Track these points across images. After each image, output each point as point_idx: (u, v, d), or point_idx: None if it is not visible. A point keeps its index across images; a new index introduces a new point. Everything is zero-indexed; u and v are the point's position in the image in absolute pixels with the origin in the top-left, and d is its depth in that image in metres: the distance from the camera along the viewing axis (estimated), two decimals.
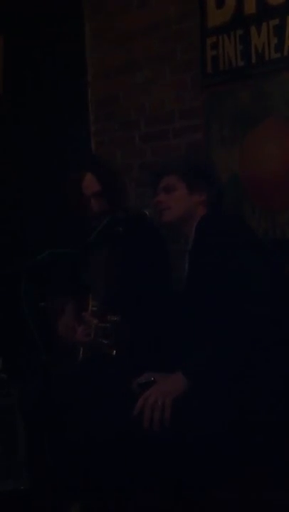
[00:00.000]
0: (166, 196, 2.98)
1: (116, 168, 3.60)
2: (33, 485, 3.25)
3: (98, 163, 3.52)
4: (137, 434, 2.66)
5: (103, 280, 3.33)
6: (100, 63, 4.59)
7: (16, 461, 3.33)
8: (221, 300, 2.71)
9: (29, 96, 4.38)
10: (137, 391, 2.75)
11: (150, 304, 3.19)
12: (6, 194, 4.25)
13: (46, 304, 3.46)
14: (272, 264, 2.83)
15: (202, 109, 4.08)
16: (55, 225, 4.10)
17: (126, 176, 4.13)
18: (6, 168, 4.26)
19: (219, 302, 2.71)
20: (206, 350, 2.68)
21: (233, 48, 3.91)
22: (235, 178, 3.89)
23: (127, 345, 3.09)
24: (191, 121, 4.16)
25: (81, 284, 3.40)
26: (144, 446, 2.65)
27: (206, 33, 4.01)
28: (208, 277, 2.77)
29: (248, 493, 2.66)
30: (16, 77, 4.34)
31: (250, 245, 2.83)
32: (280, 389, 2.68)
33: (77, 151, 4.41)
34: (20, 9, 4.29)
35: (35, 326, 2.80)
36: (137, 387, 2.77)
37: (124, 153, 4.42)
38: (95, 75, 4.63)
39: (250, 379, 2.66)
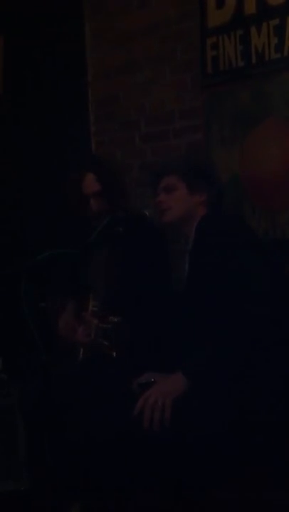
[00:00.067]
0: (167, 196, 2.98)
1: (117, 169, 3.60)
2: (33, 485, 3.25)
3: (99, 163, 3.51)
4: (137, 434, 2.66)
5: (103, 280, 3.33)
6: (100, 63, 4.59)
7: (16, 462, 3.33)
8: (221, 300, 2.71)
9: (29, 96, 4.38)
10: (137, 391, 2.75)
11: (150, 304, 3.19)
12: (6, 194, 4.25)
13: (46, 304, 3.46)
14: (272, 264, 2.83)
15: (202, 110, 4.08)
16: (55, 225, 4.10)
17: (126, 176, 4.13)
18: (6, 168, 4.26)
19: (219, 302, 2.71)
20: (206, 350, 2.68)
21: (233, 48, 3.91)
22: (236, 178, 3.89)
23: (127, 345, 3.09)
24: (191, 121, 4.16)
25: (81, 284, 3.40)
26: (144, 447, 2.65)
27: (206, 33, 4.01)
28: (208, 277, 2.77)
29: (248, 493, 2.66)
30: (16, 77, 4.34)
31: (250, 245, 2.82)
32: (280, 389, 2.68)
33: (77, 151, 4.41)
34: (21, 9, 4.29)
35: (35, 326, 2.80)
36: (137, 387, 2.77)
37: (124, 154, 4.42)
38: (95, 75, 4.63)
39: (250, 379, 2.66)
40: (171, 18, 4.22)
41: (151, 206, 3.13)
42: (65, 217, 3.78)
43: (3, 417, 3.36)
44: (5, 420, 3.36)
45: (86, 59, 4.64)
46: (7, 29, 4.29)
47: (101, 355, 3.12)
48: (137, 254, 3.31)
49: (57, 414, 2.86)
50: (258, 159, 3.84)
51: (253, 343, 2.66)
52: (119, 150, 4.45)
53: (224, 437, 2.60)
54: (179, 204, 2.96)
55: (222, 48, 3.95)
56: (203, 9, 4.02)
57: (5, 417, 3.36)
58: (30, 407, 3.06)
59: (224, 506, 2.68)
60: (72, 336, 3.32)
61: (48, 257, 2.92)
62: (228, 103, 3.96)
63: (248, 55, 3.85)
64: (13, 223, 4.23)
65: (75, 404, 2.87)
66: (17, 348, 3.47)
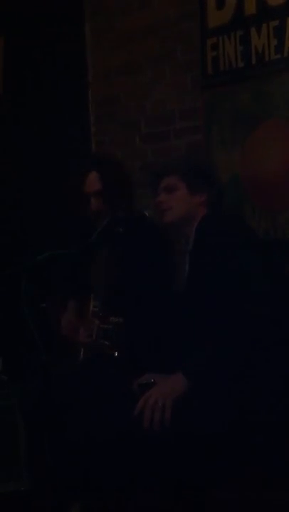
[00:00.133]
0: (167, 196, 2.98)
1: (123, 170, 3.57)
2: (34, 485, 3.25)
3: (104, 163, 3.50)
4: (137, 435, 2.66)
5: (103, 281, 3.33)
6: (101, 64, 4.59)
7: (16, 462, 3.33)
8: (221, 300, 2.71)
9: (29, 96, 4.38)
10: (138, 392, 2.75)
11: (150, 304, 3.19)
12: (6, 194, 4.26)
13: (46, 304, 3.46)
14: (272, 264, 2.83)
15: (202, 110, 4.08)
16: (55, 225, 4.11)
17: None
18: (6, 168, 4.26)
19: (219, 302, 2.71)
20: (206, 350, 2.68)
21: (233, 49, 3.91)
22: (236, 178, 3.90)
23: (127, 345, 3.09)
24: (192, 121, 4.16)
25: (82, 284, 3.40)
26: (145, 447, 2.64)
27: (207, 33, 4.01)
28: (208, 277, 2.77)
29: (248, 493, 2.66)
30: (16, 77, 4.34)
31: (250, 245, 2.82)
32: (280, 389, 2.68)
33: (77, 151, 4.41)
34: (21, 9, 4.30)
35: (35, 326, 2.80)
36: (138, 387, 2.77)
37: (125, 154, 4.41)
38: (95, 75, 4.63)
39: (250, 379, 2.66)
40: (171, 18, 4.22)
41: (151, 207, 3.13)
42: (65, 217, 3.79)
43: (3, 417, 3.36)
44: (5, 420, 3.36)
45: (86, 59, 4.64)
46: (7, 29, 4.30)
47: (101, 356, 3.12)
48: (137, 254, 3.31)
49: (57, 414, 2.86)
50: (259, 159, 3.84)
51: (253, 343, 2.66)
52: (120, 150, 4.45)
53: (224, 437, 2.60)
54: (179, 204, 2.96)
55: (222, 48, 3.96)
56: (203, 10, 4.02)
57: (5, 417, 3.36)
58: (30, 407, 3.06)
59: (224, 506, 2.68)
60: (73, 336, 3.32)
61: (48, 257, 2.92)
62: (228, 104, 3.96)
63: (248, 55, 3.85)
64: (13, 223, 4.23)
65: (75, 404, 2.87)
66: (17, 348, 3.47)
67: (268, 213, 3.81)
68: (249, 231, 2.95)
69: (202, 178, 2.98)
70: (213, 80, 4.01)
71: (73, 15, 4.57)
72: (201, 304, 2.80)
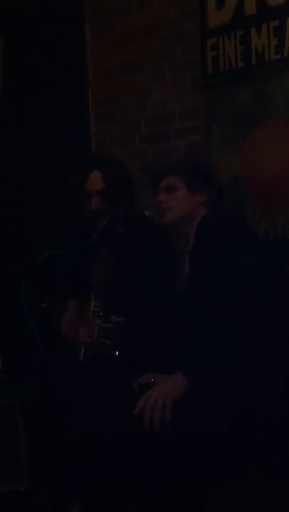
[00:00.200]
0: (167, 196, 2.98)
1: (125, 171, 3.57)
2: (34, 485, 3.25)
3: (106, 162, 3.50)
4: (138, 435, 2.66)
5: (103, 280, 3.33)
6: (101, 64, 4.59)
7: (16, 462, 3.33)
8: (221, 300, 2.71)
9: (29, 96, 4.39)
10: (138, 392, 2.75)
11: (150, 304, 3.19)
12: (6, 194, 4.26)
13: (46, 304, 3.46)
14: (272, 264, 2.83)
15: (202, 110, 4.09)
16: (55, 225, 4.11)
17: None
18: (6, 168, 4.26)
19: (219, 302, 2.71)
20: (206, 350, 2.68)
21: (233, 49, 3.92)
22: (236, 178, 3.90)
23: (127, 345, 3.09)
24: (192, 121, 4.16)
25: (82, 284, 3.40)
26: (145, 447, 2.64)
27: (207, 33, 4.01)
28: (208, 277, 2.77)
29: (248, 493, 2.66)
30: (16, 77, 4.35)
31: (250, 245, 2.82)
32: (280, 389, 2.68)
33: (77, 151, 4.41)
34: (21, 9, 4.30)
35: (35, 326, 2.80)
36: (138, 388, 2.77)
37: (125, 154, 4.41)
38: (95, 75, 4.63)
39: (250, 379, 2.66)
40: (171, 18, 4.22)
41: (151, 207, 3.13)
42: (65, 217, 3.79)
43: (3, 417, 3.36)
44: (5, 420, 3.36)
45: (86, 59, 4.64)
46: (7, 29, 4.30)
47: (102, 355, 3.12)
48: (137, 254, 3.31)
49: (57, 414, 2.86)
50: (259, 159, 3.84)
51: (253, 343, 2.66)
52: (120, 150, 4.46)
53: (224, 437, 2.60)
54: (179, 204, 2.96)
55: (222, 48, 3.96)
56: (203, 10, 4.02)
57: (5, 417, 3.36)
58: (30, 407, 3.06)
59: (224, 506, 2.68)
60: (74, 336, 3.32)
61: (48, 257, 2.92)
62: (228, 104, 3.96)
63: (248, 55, 3.85)
64: (13, 223, 4.23)
65: (75, 404, 2.87)
66: (17, 348, 3.47)
67: (268, 213, 3.82)
68: (249, 231, 2.95)
69: (202, 178, 2.98)
70: (213, 79, 4.02)
71: (73, 15, 4.58)
72: (201, 304, 2.80)
